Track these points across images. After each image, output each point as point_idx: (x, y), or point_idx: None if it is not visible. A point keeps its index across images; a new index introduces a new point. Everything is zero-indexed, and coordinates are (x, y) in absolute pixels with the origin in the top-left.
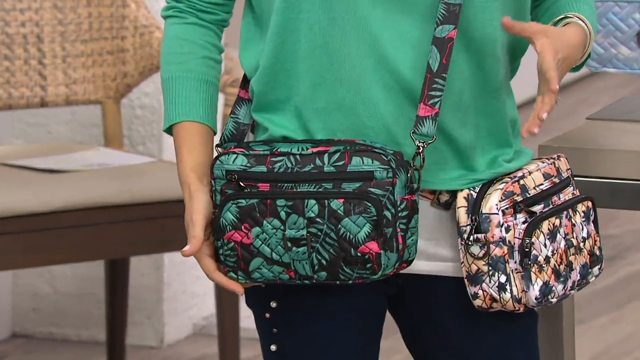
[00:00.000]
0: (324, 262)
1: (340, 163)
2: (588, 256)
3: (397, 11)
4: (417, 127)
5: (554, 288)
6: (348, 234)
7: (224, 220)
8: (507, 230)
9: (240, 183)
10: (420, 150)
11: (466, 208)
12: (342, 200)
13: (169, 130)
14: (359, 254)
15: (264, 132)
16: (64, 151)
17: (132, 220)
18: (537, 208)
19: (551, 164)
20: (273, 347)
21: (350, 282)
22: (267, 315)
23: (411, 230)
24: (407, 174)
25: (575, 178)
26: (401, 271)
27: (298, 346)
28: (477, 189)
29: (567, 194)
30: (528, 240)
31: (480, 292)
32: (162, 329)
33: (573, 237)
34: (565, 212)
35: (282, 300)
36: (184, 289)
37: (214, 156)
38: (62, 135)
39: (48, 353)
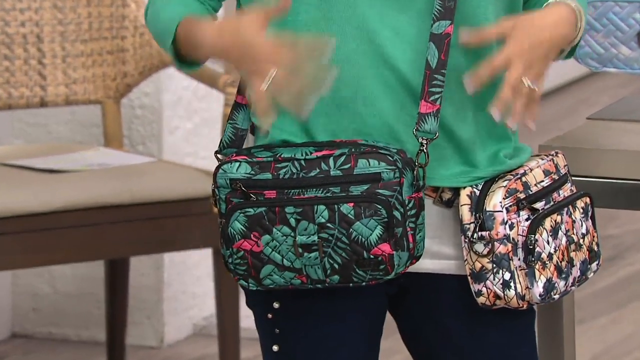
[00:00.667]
0: (336, 266)
1: (347, 166)
2: (587, 252)
3: (394, 9)
4: (420, 124)
5: (556, 284)
6: (360, 237)
7: (232, 230)
8: (511, 227)
9: (246, 191)
10: (423, 148)
11: (469, 206)
12: (351, 204)
13: (175, 49)
14: (371, 257)
15: (265, 136)
16: (64, 151)
17: (132, 220)
18: (539, 205)
19: (550, 160)
20: (275, 348)
21: (364, 283)
22: (270, 315)
23: (419, 227)
24: (413, 173)
25: (575, 178)
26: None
27: (307, 348)
28: (480, 187)
29: (566, 191)
30: (532, 237)
31: (484, 289)
32: (162, 329)
33: (573, 234)
34: (565, 209)
35: (286, 301)
36: (184, 289)
37: (217, 165)
38: (62, 135)
39: (48, 353)
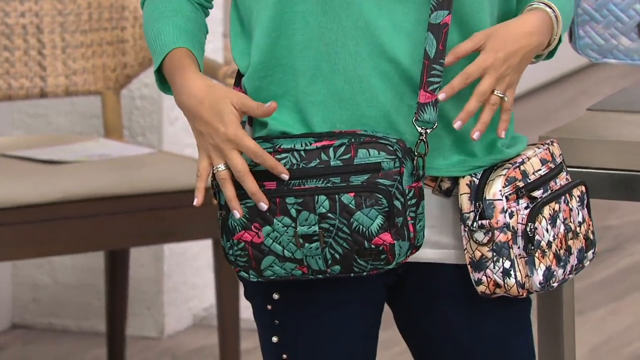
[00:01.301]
0: (337, 256)
1: (347, 156)
2: (584, 240)
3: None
4: (419, 114)
5: (555, 273)
6: (361, 227)
7: (232, 221)
8: (511, 215)
9: None
10: (423, 137)
11: (469, 195)
12: (352, 194)
13: (160, 73)
14: (372, 246)
15: (263, 128)
16: (64, 142)
17: (132, 211)
18: (538, 193)
19: (546, 149)
20: (275, 339)
21: (365, 273)
22: (269, 307)
23: (419, 217)
24: (413, 162)
25: (575, 169)
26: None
27: (306, 338)
28: (479, 175)
29: (562, 179)
30: (532, 226)
31: (484, 278)
32: (162, 320)
33: (571, 222)
34: (563, 197)
35: (286, 292)
36: (184, 280)
37: None
38: (62, 126)
39: (48, 344)
